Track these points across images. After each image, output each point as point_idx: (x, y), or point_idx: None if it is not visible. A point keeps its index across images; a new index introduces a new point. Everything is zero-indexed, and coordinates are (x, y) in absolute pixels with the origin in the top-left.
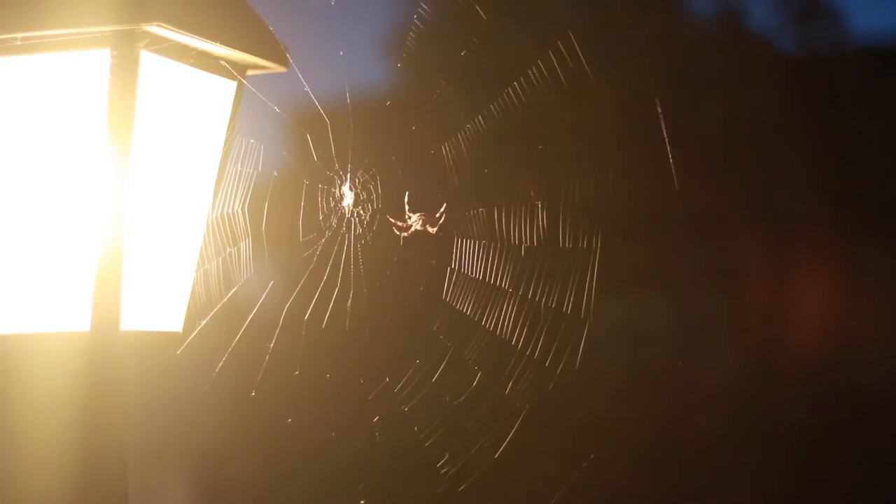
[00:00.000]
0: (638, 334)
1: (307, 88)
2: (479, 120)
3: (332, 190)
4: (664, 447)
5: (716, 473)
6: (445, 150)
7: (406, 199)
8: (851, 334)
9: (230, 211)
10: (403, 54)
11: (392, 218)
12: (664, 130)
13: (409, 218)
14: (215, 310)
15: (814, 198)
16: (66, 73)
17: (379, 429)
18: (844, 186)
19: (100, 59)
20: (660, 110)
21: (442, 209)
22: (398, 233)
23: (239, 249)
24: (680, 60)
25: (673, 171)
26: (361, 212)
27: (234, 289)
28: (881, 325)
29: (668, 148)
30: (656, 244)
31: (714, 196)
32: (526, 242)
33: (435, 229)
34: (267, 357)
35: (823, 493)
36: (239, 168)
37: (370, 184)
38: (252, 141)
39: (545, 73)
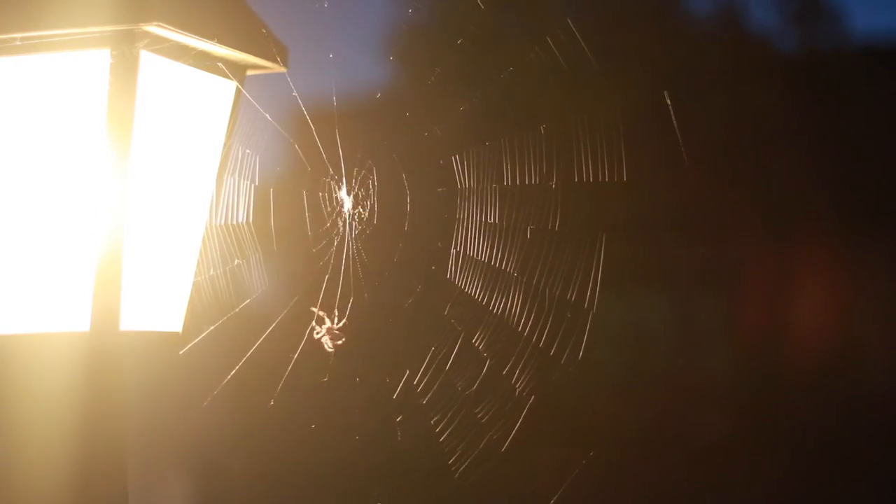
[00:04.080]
0: (640, 331)
1: (295, 93)
2: (477, 102)
3: (334, 196)
4: (666, 444)
5: (716, 472)
6: (441, 132)
7: (317, 313)
8: (852, 334)
9: (234, 222)
10: (397, 46)
11: (315, 321)
12: (674, 121)
13: (321, 324)
14: (225, 318)
15: (814, 197)
16: (66, 73)
17: (401, 427)
18: (845, 186)
19: (100, 59)
20: (669, 102)
21: (342, 340)
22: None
23: (249, 262)
24: (679, 60)
25: (685, 158)
26: (361, 210)
27: (247, 301)
28: (882, 325)
29: (679, 137)
30: (659, 243)
31: (714, 195)
32: (532, 225)
33: (330, 346)
34: (290, 366)
35: (823, 494)
36: (236, 178)
37: (368, 178)
38: (248, 151)
39: (546, 59)
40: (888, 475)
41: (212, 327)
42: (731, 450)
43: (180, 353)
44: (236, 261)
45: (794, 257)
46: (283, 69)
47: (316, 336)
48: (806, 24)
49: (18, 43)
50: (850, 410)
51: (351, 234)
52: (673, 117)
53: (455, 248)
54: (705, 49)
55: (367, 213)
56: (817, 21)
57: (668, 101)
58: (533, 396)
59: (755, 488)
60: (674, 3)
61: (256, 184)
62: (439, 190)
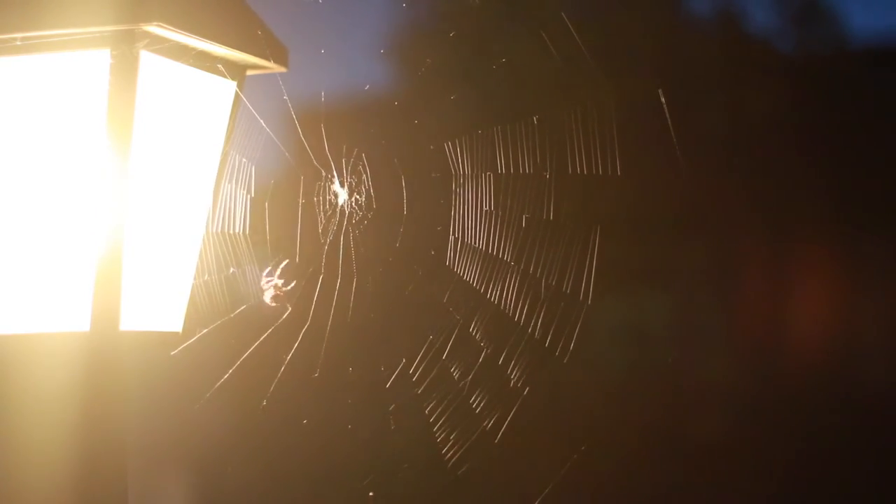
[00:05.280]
0: (636, 325)
1: (285, 96)
2: (469, 92)
3: (329, 194)
4: (662, 441)
5: (714, 470)
6: (432, 120)
7: (281, 267)
8: (852, 334)
9: (231, 231)
10: (389, 39)
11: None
12: (668, 119)
13: (268, 281)
14: (221, 321)
15: (814, 197)
16: (66, 73)
17: (394, 417)
18: (844, 186)
19: (100, 59)
20: (663, 100)
21: (281, 303)
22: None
23: (244, 271)
24: (679, 60)
25: (679, 157)
26: (357, 197)
27: (243, 307)
28: (882, 324)
29: (673, 136)
30: (656, 240)
31: (712, 193)
32: (527, 214)
33: (269, 300)
34: (283, 366)
35: (823, 493)
36: (233, 186)
37: (358, 165)
38: (244, 160)
39: (540, 52)
40: (890, 475)
41: (204, 330)
42: (729, 448)
43: (171, 353)
44: (231, 269)
45: (795, 257)
46: (282, 69)
47: (262, 286)
48: (805, 25)
49: (18, 43)
50: (852, 411)
51: (351, 222)
52: (668, 115)
53: (453, 234)
54: (703, 46)
55: (363, 199)
56: (817, 22)
57: (663, 100)
58: (528, 388)
59: (754, 487)
60: (674, 6)
61: (252, 195)
62: (434, 175)
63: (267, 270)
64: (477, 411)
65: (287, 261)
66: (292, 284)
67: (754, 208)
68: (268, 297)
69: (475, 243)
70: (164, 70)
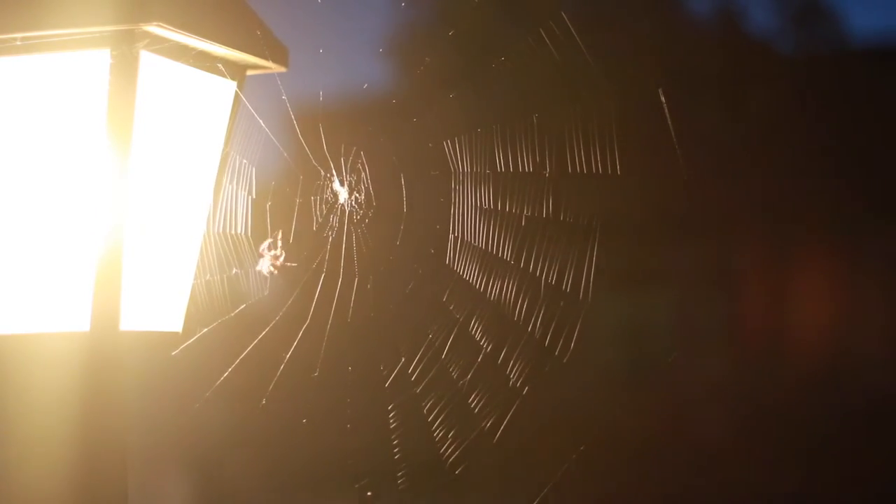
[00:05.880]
0: (636, 324)
1: (284, 97)
2: (468, 91)
3: (327, 192)
4: (661, 441)
5: (711, 469)
6: (431, 118)
7: (271, 241)
8: (853, 334)
9: (232, 232)
10: (387, 38)
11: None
12: (668, 119)
13: (266, 252)
14: (221, 320)
15: (814, 196)
16: (66, 73)
17: (394, 416)
18: (845, 185)
19: (100, 59)
20: (663, 100)
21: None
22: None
23: (247, 272)
24: (679, 60)
25: (680, 159)
26: (357, 195)
27: (243, 306)
28: (882, 323)
29: (674, 137)
30: (656, 239)
31: (712, 193)
32: (527, 212)
33: (267, 271)
34: (283, 365)
35: (823, 493)
36: (234, 187)
37: (357, 163)
38: (245, 161)
39: (539, 51)
40: (890, 474)
41: (204, 330)
42: (730, 448)
43: (172, 353)
44: (234, 270)
45: (795, 256)
46: (282, 69)
47: (259, 257)
48: (805, 25)
49: (18, 43)
50: (853, 410)
51: (351, 221)
52: (667, 115)
53: (453, 232)
54: (703, 46)
55: (363, 197)
56: (817, 21)
57: (663, 99)
58: (527, 387)
59: (754, 487)
60: (675, 6)
61: (253, 196)
62: (433, 173)
63: (267, 243)
64: (476, 410)
65: (281, 231)
66: (291, 264)
67: (754, 207)
68: (265, 267)
69: (475, 242)
70: (164, 70)
